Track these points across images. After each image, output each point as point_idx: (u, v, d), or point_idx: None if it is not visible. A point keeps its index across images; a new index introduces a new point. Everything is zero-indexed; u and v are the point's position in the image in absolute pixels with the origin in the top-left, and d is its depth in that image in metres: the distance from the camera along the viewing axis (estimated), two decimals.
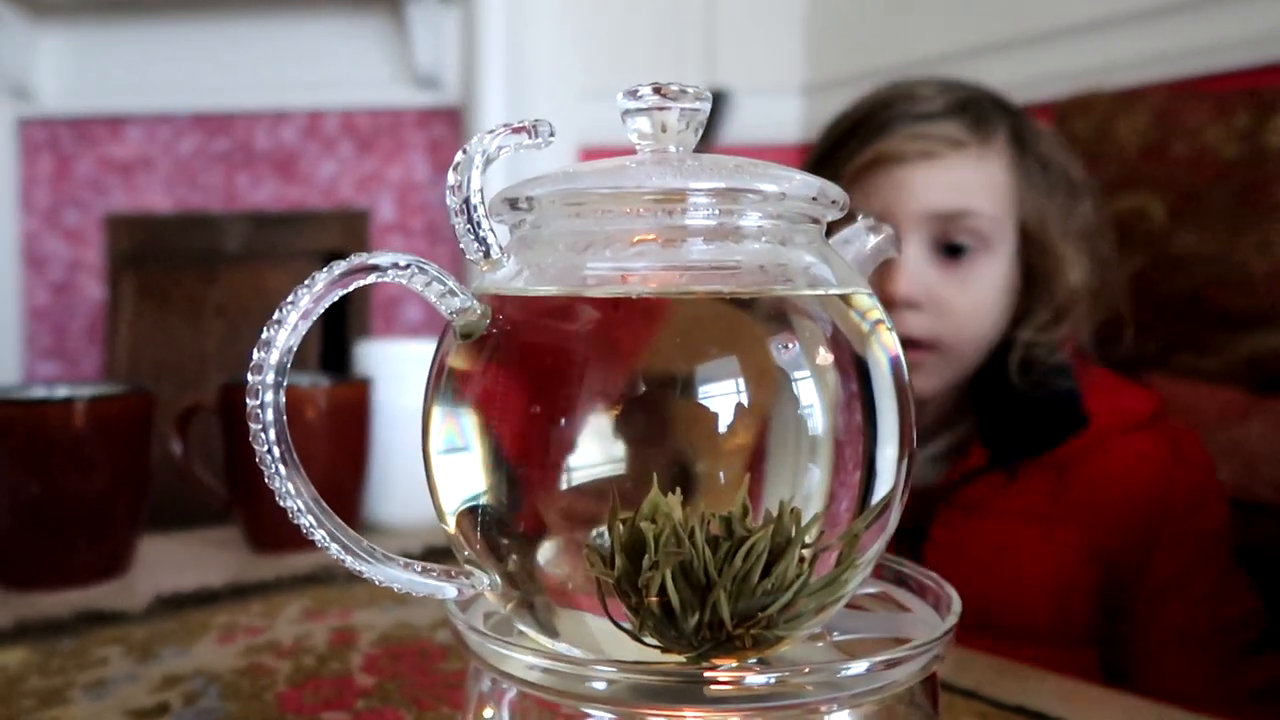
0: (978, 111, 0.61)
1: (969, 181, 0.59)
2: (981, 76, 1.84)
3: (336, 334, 1.85)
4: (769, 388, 0.23)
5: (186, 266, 1.96)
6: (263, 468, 0.23)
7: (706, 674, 0.22)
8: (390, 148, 2.03)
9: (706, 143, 1.93)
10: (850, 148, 0.59)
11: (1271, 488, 0.81)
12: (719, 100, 1.99)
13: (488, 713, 0.29)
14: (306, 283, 0.23)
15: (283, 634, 0.50)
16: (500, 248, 0.25)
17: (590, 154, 2.00)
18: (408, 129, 2.03)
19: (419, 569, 0.25)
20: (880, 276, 0.56)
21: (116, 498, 0.59)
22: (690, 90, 0.27)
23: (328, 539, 0.24)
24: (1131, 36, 1.57)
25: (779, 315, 0.24)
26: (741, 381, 0.23)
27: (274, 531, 0.65)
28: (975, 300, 0.59)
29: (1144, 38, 1.55)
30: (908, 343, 0.57)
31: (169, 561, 0.64)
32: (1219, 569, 0.60)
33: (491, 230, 0.25)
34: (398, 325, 1.99)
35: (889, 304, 0.56)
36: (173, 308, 1.94)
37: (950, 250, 0.59)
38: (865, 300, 0.25)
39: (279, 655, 0.46)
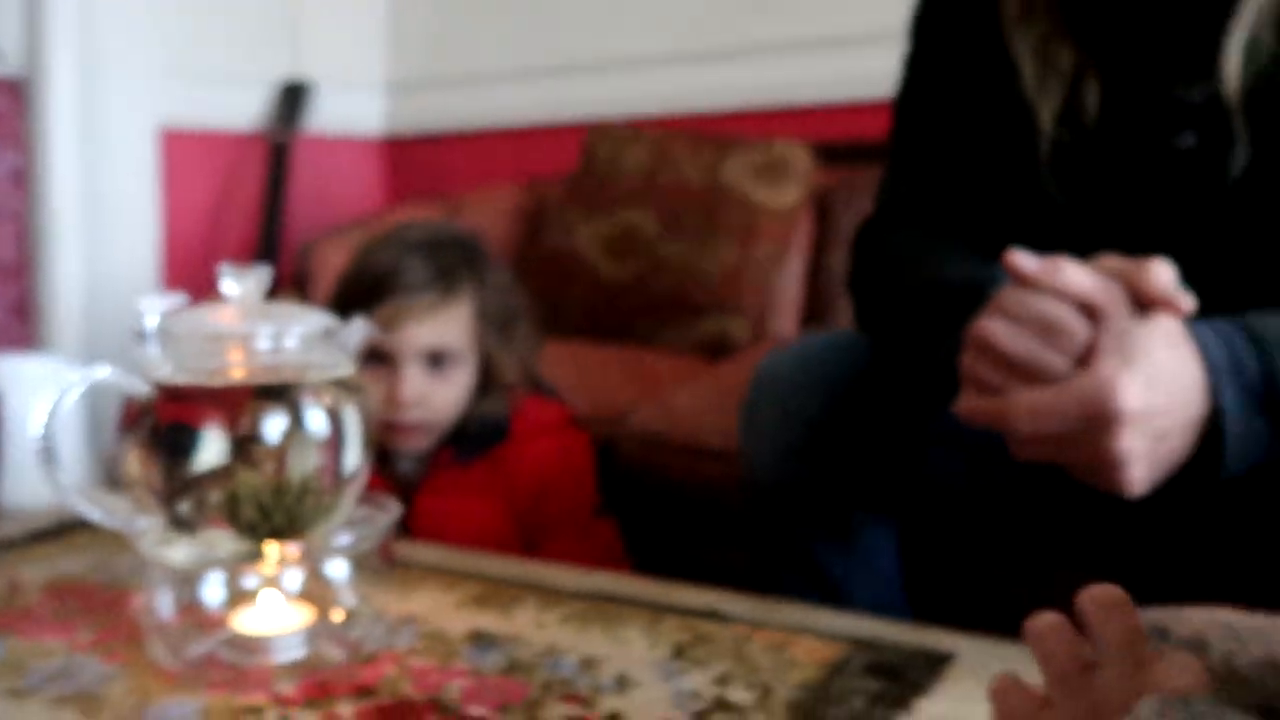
0: (451, 277, 0.96)
1: (445, 329, 0.96)
2: (536, 93, 2.20)
3: None
4: (299, 425, 0.54)
5: None
6: (53, 488, 0.49)
7: (267, 547, 0.53)
8: None
9: (290, 131, 2.13)
10: (362, 307, 0.91)
11: (717, 435, 1.25)
12: (299, 91, 2.18)
13: (156, 591, 0.57)
14: (54, 405, 0.50)
15: None
16: (160, 356, 0.54)
17: (171, 135, 2.09)
18: None
19: (129, 518, 0.53)
20: (390, 386, 0.92)
21: None
22: (255, 271, 0.57)
23: (96, 511, 0.51)
24: (645, 76, 2.04)
25: (304, 390, 0.55)
26: (286, 421, 0.54)
27: None
28: (452, 397, 0.97)
29: (654, 79, 2.02)
30: (412, 425, 0.95)
31: None
32: (586, 515, 1.02)
33: (157, 347, 0.53)
34: None
35: (398, 404, 0.92)
36: None
37: (435, 360, 0.94)
38: (351, 378, 0.57)
39: None
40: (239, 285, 0.56)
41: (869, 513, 0.87)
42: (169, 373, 0.54)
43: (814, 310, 1.69)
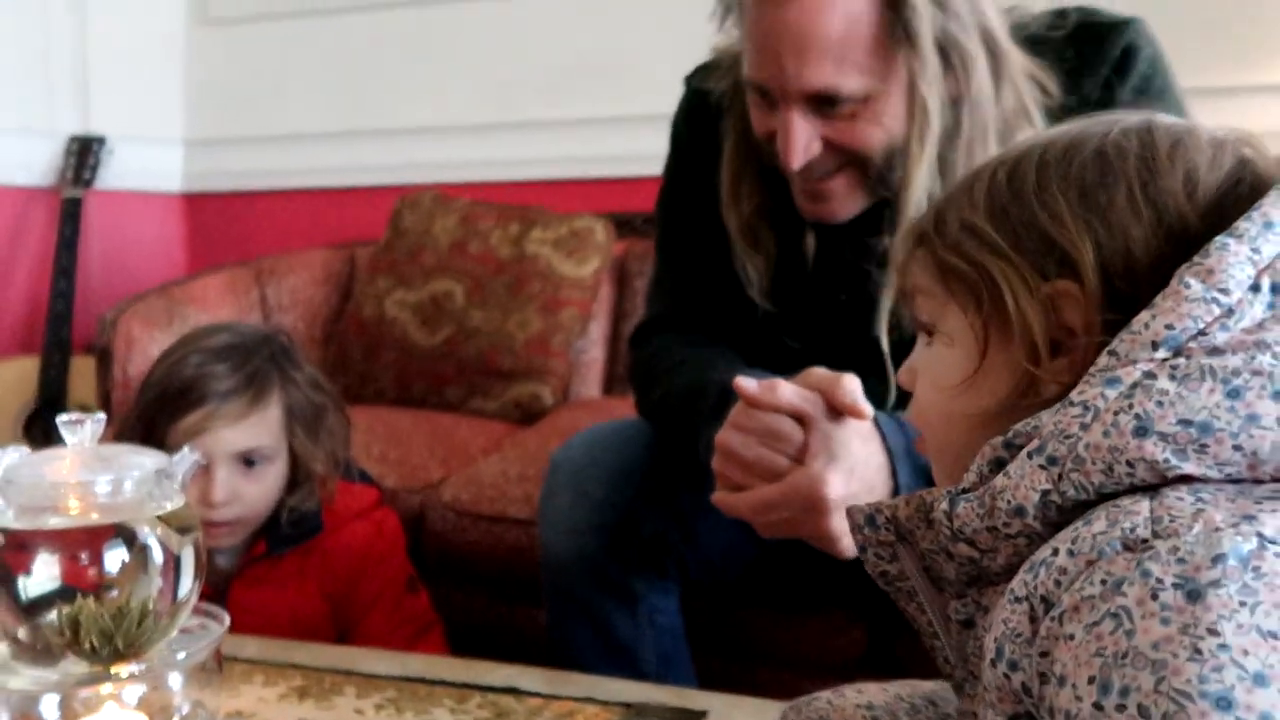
0: (259, 382, 1.02)
1: (255, 433, 1.02)
2: (332, 157, 2.26)
3: None
4: (136, 558, 0.63)
5: None
6: None
7: (113, 669, 0.61)
8: None
9: (81, 186, 2.10)
10: (172, 415, 0.98)
11: (520, 505, 1.36)
12: (90, 145, 2.14)
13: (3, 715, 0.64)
14: None
15: None
16: (4, 504, 0.61)
17: None
18: None
19: None
20: (202, 487, 0.97)
21: None
22: (91, 418, 0.64)
23: None
24: (453, 143, 2.14)
25: (140, 525, 0.63)
26: (125, 555, 0.62)
27: None
28: (263, 493, 1.03)
29: (461, 147, 2.13)
30: (225, 522, 1.00)
31: None
32: (398, 591, 1.11)
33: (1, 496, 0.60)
34: None
35: (211, 504, 0.98)
36: None
37: (246, 460, 1.01)
38: (182, 511, 0.66)
39: None
40: (75, 435, 0.64)
41: (653, 578, 1.01)
42: (12, 518, 0.61)
43: (616, 374, 1.85)
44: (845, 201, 0.87)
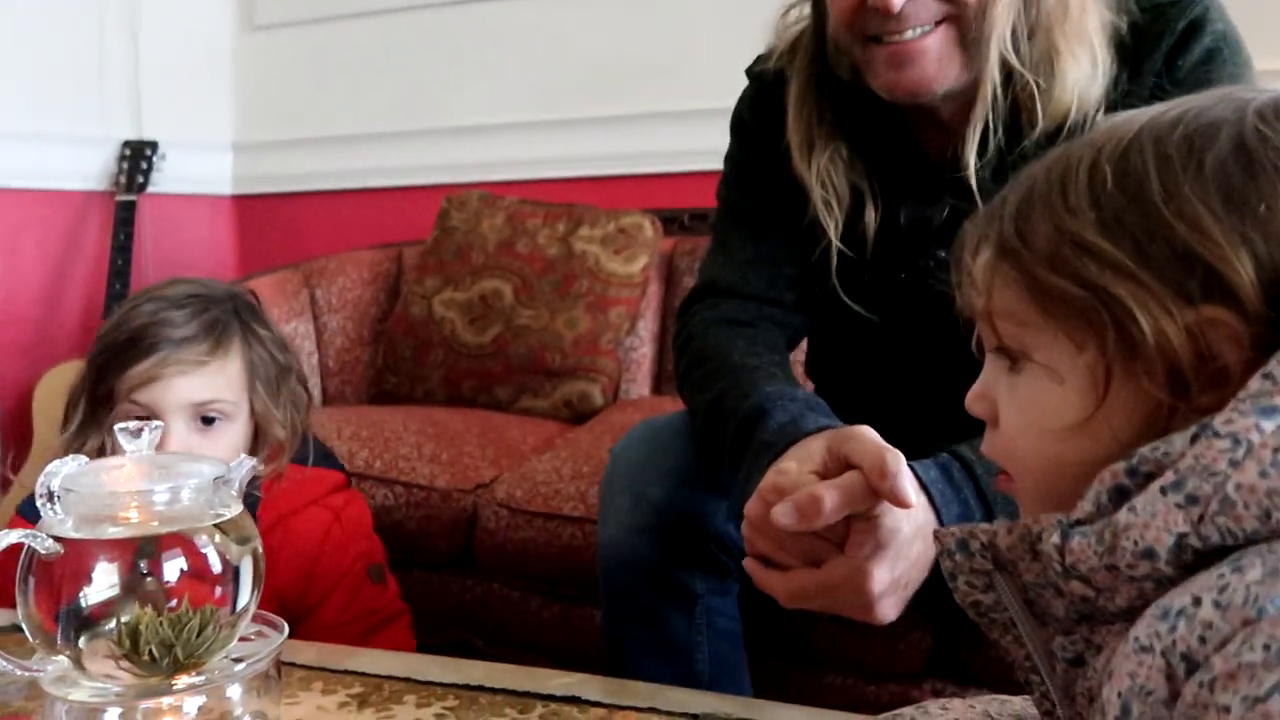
0: (219, 331, 0.94)
1: (213, 383, 0.94)
2: (379, 157, 2.25)
3: None
4: (202, 565, 0.61)
5: None
6: None
7: (174, 681, 0.60)
8: None
9: (134, 190, 2.11)
10: (124, 364, 0.91)
11: (572, 502, 1.34)
12: (142, 150, 2.16)
13: None
14: None
15: None
16: (64, 513, 0.59)
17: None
18: None
19: (34, 662, 0.59)
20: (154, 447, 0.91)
21: None
22: (148, 427, 0.63)
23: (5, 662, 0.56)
24: (499, 142, 2.13)
25: (197, 534, 0.62)
26: (183, 565, 0.61)
27: None
28: (220, 456, 0.92)
29: (506, 146, 2.12)
30: None
31: None
32: (355, 581, 1.04)
33: (56, 504, 0.59)
34: None
35: None
36: None
37: (204, 420, 0.93)
38: (240, 520, 0.64)
39: None
40: (133, 443, 0.63)
41: (714, 580, 0.98)
42: (72, 527, 0.60)
43: (665, 372, 1.82)
44: (937, 65, 0.81)
